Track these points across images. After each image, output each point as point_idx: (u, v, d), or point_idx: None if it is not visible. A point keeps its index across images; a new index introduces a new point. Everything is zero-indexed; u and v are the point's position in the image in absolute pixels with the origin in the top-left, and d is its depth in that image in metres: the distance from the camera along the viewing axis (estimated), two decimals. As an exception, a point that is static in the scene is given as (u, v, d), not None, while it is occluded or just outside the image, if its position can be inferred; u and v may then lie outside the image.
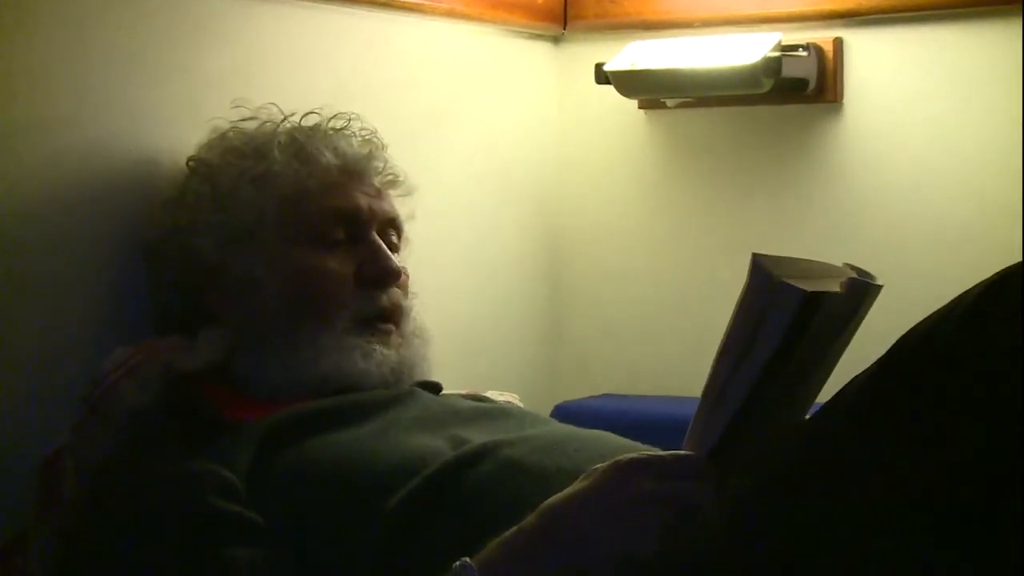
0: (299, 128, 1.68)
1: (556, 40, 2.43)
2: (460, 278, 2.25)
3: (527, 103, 2.39)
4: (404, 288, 1.66)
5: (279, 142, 1.63)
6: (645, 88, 2.28)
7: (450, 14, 2.18)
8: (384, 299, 1.62)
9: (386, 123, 1.74)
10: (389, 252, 1.63)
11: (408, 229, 1.72)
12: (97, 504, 1.45)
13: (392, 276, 1.62)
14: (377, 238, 1.63)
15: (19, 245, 1.60)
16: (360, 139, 1.69)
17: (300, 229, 1.60)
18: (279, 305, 1.58)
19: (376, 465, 1.39)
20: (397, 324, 1.63)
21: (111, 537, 1.39)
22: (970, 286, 1.16)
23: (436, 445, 1.43)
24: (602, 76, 2.26)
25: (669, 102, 2.33)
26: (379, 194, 1.66)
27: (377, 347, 1.59)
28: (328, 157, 1.63)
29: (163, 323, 1.67)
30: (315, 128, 1.68)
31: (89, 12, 1.66)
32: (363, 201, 1.63)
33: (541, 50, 2.42)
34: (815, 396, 1.27)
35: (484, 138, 2.30)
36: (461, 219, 2.25)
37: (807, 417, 1.27)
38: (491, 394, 1.87)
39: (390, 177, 1.70)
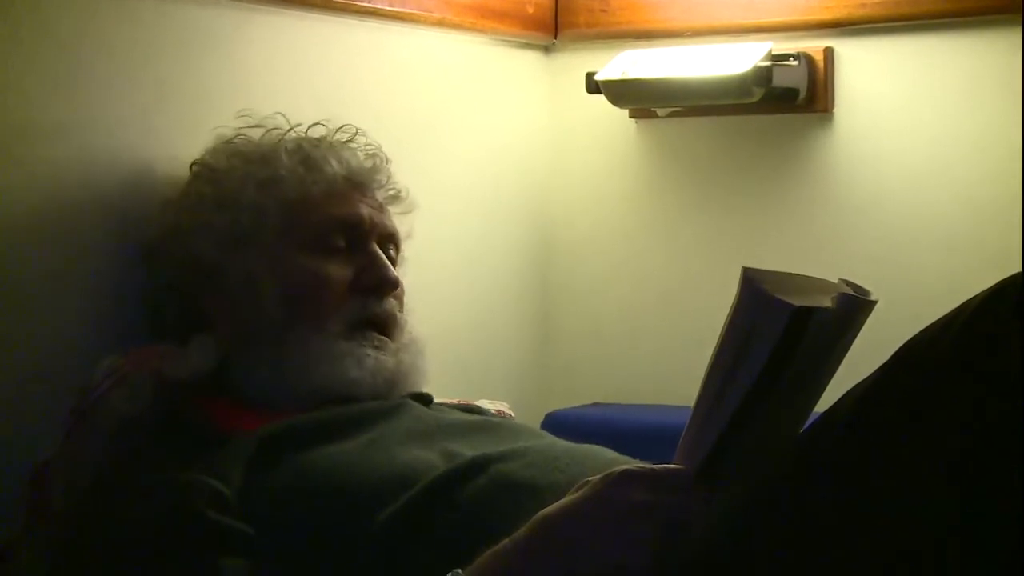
0: (305, 138, 1.69)
1: (547, 49, 2.43)
2: (451, 287, 2.25)
3: (518, 112, 2.39)
4: (400, 300, 1.67)
5: (286, 148, 1.65)
6: (636, 97, 2.28)
7: (441, 23, 2.18)
8: (378, 307, 1.62)
9: (377, 132, 1.74)
10: (388, 262, 1.64)
11: (405, 248, 1.73)
12: (89, 514, 1.45)
13: (389, 284, 1.63)
14: (376, 248, 1.64)
15: (14, 251, 1.60)
16: (365, 153, 1.70)
17: (301, 234, 1.61)
18: (274, 308, 1.59)
19: (368, 478, 1.40)
20: (390, 335, 1.63)
21: (103, 547, 1.39)
22: (961, 294, 1.16)
23: (428, 458, 1.43)
24: (593, 85, 2.26)
25: (660, 111, 2.33)
26: (381, 207, 1.68)
27: (371, 352, 1.59)
28: (334, 166, 1.64)
29: (157, 328, 1.67)
30: (321, 139, 1.70)
31: (86, 21, 1.67)
32: (365, 212, 1.65)
33: (532, 59, 2.42)
34: (810, 410, 1.26)
35: (475, 147, 2.30)
36: (451, 228, 2.25)
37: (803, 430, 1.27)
38: (482, 403, 1.87)
39: (392, 192, 1.72)
